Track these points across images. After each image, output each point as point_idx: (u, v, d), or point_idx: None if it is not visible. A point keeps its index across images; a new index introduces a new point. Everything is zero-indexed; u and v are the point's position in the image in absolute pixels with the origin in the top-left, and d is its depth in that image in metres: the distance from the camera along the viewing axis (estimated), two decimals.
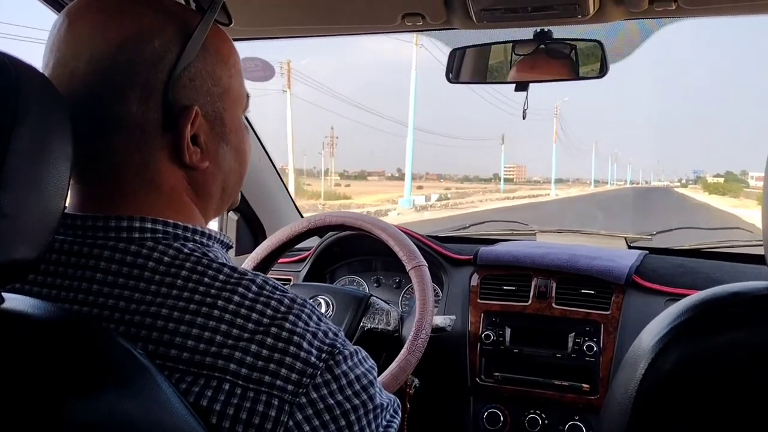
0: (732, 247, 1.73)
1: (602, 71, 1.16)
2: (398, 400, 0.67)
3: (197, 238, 0.63)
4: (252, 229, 1.87)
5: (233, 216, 1.83)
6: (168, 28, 0.61)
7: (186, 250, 0.59)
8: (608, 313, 1.39)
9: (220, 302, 0.56)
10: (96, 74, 0.59)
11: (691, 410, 0.58)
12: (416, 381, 1.37)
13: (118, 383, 0.49)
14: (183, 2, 0.66)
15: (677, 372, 0.58)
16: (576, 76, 1.19)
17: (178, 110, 0.61)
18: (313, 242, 1.74)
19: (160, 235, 0.60)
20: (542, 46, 1.21)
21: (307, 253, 1.73)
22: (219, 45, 0.65)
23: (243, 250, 1.80)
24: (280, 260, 1.72)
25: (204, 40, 0.62)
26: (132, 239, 0.59)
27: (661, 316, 0.63)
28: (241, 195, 1.76)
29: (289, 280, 1.69)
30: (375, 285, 1.74)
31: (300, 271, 1.71)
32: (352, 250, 1.74)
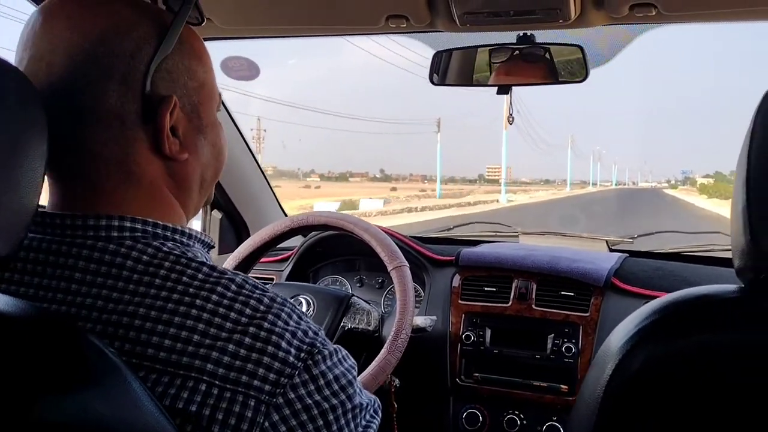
0: (711, 251, 1.75)
1: (583, 76, 1.17)
2: (379, 401, 0.67)
3: (177, 237, 0.63)
4: (235, 228, 1.86)
5: (216, 215, 1.83)
6: (144, 22, 0.62)
7: (165, 249, 0.59)
8: (587, 314, 1.40)
9: (198, 302, 0.56)
10: (73, 67, 0.59)
11: (658, 411, 0.59)
12: (397, 381, 1.38)
13: (88, 382, 0.49)
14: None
15: (644, 373, 0.59)
16: (556, 80, 1.20)
17: (157, 100, 0.61)
18: (296, 242, 1.75)
19: (139, 234, 0.60)
20: (517, 52, 1.22)
21: (290, 252, 1.73)
22: (193, 41, 0.67)
23: (226, 249, 1.80)
24: (263, 259, 1.72)
25: (179, 35, 0.63)
26: (110, 238, 0.59)
27: (629, 318, 0.64)
28: (225, 193, 1.79)
29: (272, 279, 1.69)
30: (358, 285, 1.74)
31: (283, 271, 1.71)
32: (336, 250, 1.74)
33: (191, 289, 0.56)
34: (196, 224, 1.84)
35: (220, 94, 0.71)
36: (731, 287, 0.63)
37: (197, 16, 0.69)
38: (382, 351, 1.20)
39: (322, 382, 0.57)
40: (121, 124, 0.60)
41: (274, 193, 1.95)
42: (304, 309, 1.34)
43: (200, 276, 0.58)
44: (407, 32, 1.25)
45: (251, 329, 0.56)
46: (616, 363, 0.60)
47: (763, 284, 0.60)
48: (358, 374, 1.18)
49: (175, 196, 0.66)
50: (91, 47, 0.59)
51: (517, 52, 1.22)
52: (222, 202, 1.80)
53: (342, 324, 1.32)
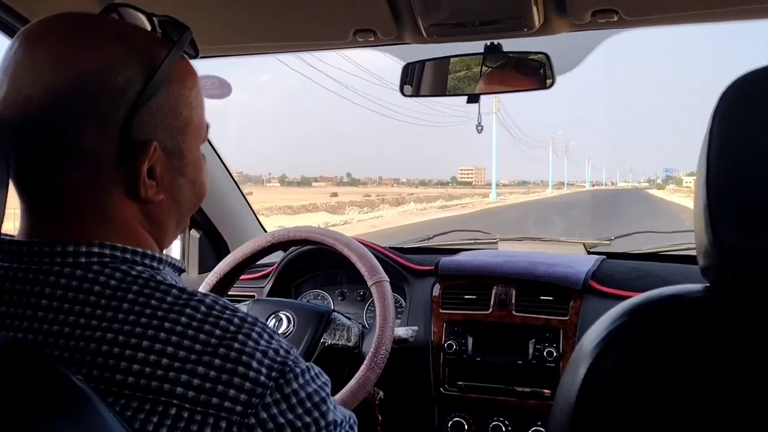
0: (688, 249, 1.77)
1: (550, 82, 1.19)
2: (354, 417, 0.67)
3: (147, 261, 0.62)
4: (215, 247, 1.86)
5: (195, 234, 1.82)
6: (132, 62, 0.60)
7: (133, 273, 0.59)
8: (567, 318, 1.41)
9: (166, 324, 0.55)
10: (52, 105, 0.57)
11: (631, 411, 0.59)
12: (381, 393, 1.37)
13: (57, 411, 0.49)
14: (149, 29, 0.65)
15: (616, 374, 0.60)
16: (523, 88, 1.22)
17: (136, 145, 0.60)
18: (276, 258, 1.74)
19: (108, 259, 0.59)
20: (487, 66, 1.24)
21: (271, 268, 1.73)
22: (183, 77, 0.64)
23: (206, 267, 1.79)
24: (243, 277, 1.71)
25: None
26: (78, 264, 0.58)
27: (599, 320, 0.65)
28: (203, 212, 1.78)
29: (253, 295, 1.68)
30: (339, 298, 1.74)
31: (264, 287, 1.70)
32: (316, 264, 1.74)
33: (159, 312, 0.56)
34: (175, 244, 1.83)
35: (207, 126, 0.69)
36: (697, 287, 0.64)
37: (192, 49, 0.67)
38: (362, 368, 1.20)
39: (294, 400, 0.57)
40: (96, 165, 0.59)
41: (252, 210, 1.95)
42: (284, 325, 1.33)
43: (168, 299, 0.57)
44: (376, 46, 1.26)
45: (221, 350, 0.55)
46: (588, 365, 0.61)
47: (728, 282, 0.61)
48: (339, 390, 1.18)
49: (150, 233, 0.65)
50: (73, 87, 0.57)
51: (487, 66, 1.23)
52: (200, 220, 1.80)
53: (322, 340, 1.32)
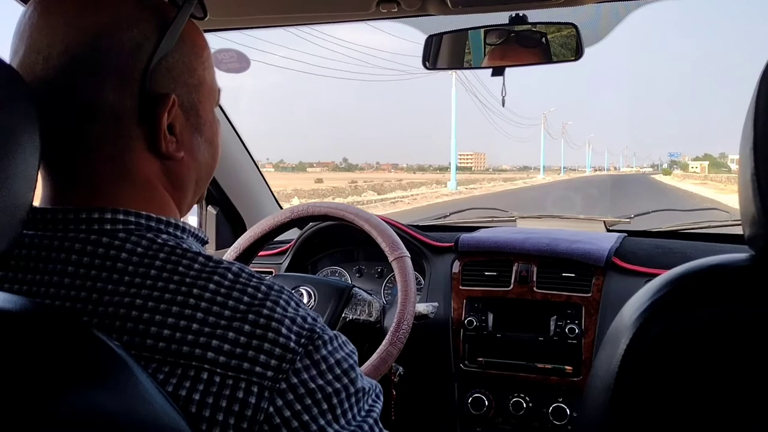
0: (709, 227, 1.75)
1: (578, 54, 1.16)
2: (380, 386, 0.67)
3: (171, 230, 0.62)
4: (231, 223, 1.85)
5: (212, 210, 1.82)
6: (146, 18, 0.61)
7: (159, 241, 0.59)
8: (589, 295, 1.40)
9: (195, 290, 0.55)
10: (71, 62, 0.58)
11: (674, 384, 0.58)
12: (401, 369, 1.37)
13: (96, 378, 0.48)
14: None
15: (659, 346, 0.59)
16: (550, 60, 1.19)
17: (156, 98, 0.61)
18: (293, 235, 1.74)
19: (133, 227, 0.59)
20: (513, 34, 1.21)
21: (288, 245, 1.72)
22: (195, 38, 0.66)
23: (223, 244, 1.79)
24: (261, 253, 1.71)
25: (181, 31, 0.62)
26: (104, 231, 0.58)
27: (641, 291, 0.63)
28: (220, 188, 1.77)
29: (271, 272, 1.68)
30: (357, 275, 1.73)
31: (281, 263, 1.70)
32: (333, 241, 1.73)
33: (187, 279, 0.56)
34: (192, 220, 1.83)
35: (219, 90, 0.70)
36: (742, 256, 0.62)
37: (201, 10, 0.68)
38: (384, 342, 1.19)
39: (324, 366, 0.57)
40: (117, 121, 0.60)
41: (269, 186, 1.94)
42: (305, 300, 1.33)
43: (196, 266, 0.57)
44: (398, 17, 1.24)
45: (250, 316, 0.55)
46: (630, 337, 0.59)
47: None
48: (360, 365, 1.17)
49: (170, 194, 0.66)
50: (90, 43, 0.58)
51: (513, 34, 1.21)
52: (217, 197, 1.79)
53: (343, 315, 1.31)
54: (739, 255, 0.62)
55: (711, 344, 0.58)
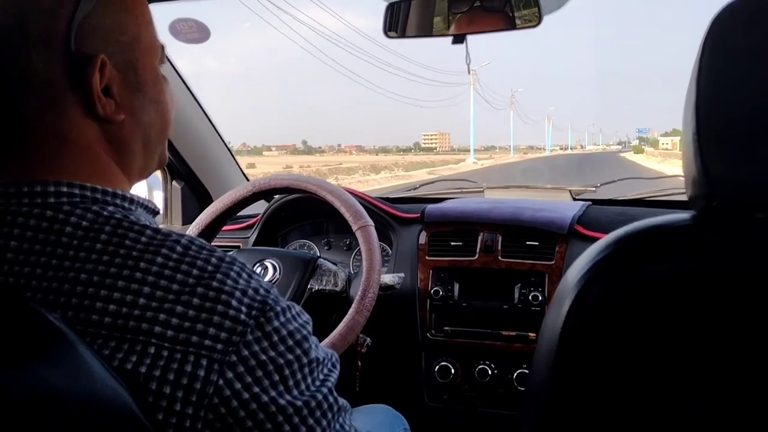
0: (673, 195, 1.77)
1: (537, 20, 1.16)
2: (336, 355, 0.67)
3: (118, 201, 0.61)
4: (198, 197, 1.83)
5: (177, 185, 1.79)
6: None
7: (105, 214, 0.58)
8: (552, 263, 1.41)
9: (142, 264, 0.55)
10: None
11: (616, 343, 0.59)
12: (368, 340, 1.38)
13: (34, 351, 0.48)
14: None
15: (600, 306, 0.60)
16: (513, 27, 1.19)
17: (84, 60, 0.59)
18: (262, 208, 1.72)
19: (77, 199, 0.58)
20: (477, 2, 1.20)
21: (256, 219, 1.71)
22: None
23: (189, 219, 1.77)
24: (228, 227, 1.70)
25: None
26: (47, 204, 0.57)
27: (584, 254, 0.64)
28: (184, 162, 1.74)
29: (238, 246, 1.67)
30: (326, 248, 1.73)
31: (249, 237, 1.69)
32: (302, 214, 1.72)
33: (134, 253, 0.55)
34: (157, 195, 1.81)
35: (162, 47, 0.68)
36: (683, 216, 0.63)
37: None
38: (350, 311, 1.20)
39: (276, 338, 0.57)
40: (50, 87, 0.58)
41: (235, 159, 1.92)
42: (270, 273, 1.32)
43: (143, 239, 0.56)
44: None
45: (199, 289, 0.55)
46: (573, 298, 0.60)
47: (716, 212, 0.60)
48: (328, 335, 1.18)
49: (115, 161, 0.64)
50: (6, 8, 0.57)
51: (477, 2, 1.20)
52: (182, 171, 1.77)
53: (309, 286, 1.32)
54: (681, 215, 0.63)
55: (651, 304, 0.58)
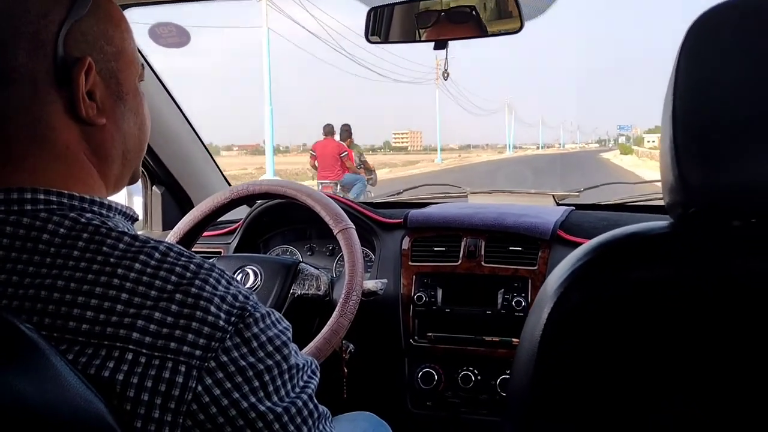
0: (655, 199, 1.78)
1: (518, 27, 1.16)
2: (316, 362, 0.66)
3: (95, 208, 0.61)
4: (179, 203, 1.81)
5: (158, 190, 1.77)
6: None
7: (83, 221, 0.57)
8: (535, 268, 1.41)
9: (119, 271, 0.54)
10: None
11: (595, 349, 0.59)
12: (351, 346, 1.37)
13: (4, 360, 0.47)
14: None
15: (579, 313, 0.60)
16: (493, 33, 1.19)
17: (71, 62, 0.59)
18: (244, 213, 1.71)
19: (55, 207, 0.58)
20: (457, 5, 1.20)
21: (237, 224, 1.70)
22: (108, 7, 0.65)
23: (170, 224, 1.75)
24: (209, 233, 1.68)
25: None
26: (24, 211, 0.57)
27: (564, 260, 0.64)
28: (165, 167, 1.73)
29: (219, 252, 1.66)
30: (308, 253, 1.72)
31: (230, 243, 1.68)
32: (284, 219, 1.71)
33: (111, 259, 0.55)
34: (137, 200, 1.78)
35: (142, 65, 0.69)
36: (661, 223, 0.63)
37: None
38: (334, 314, 1.19)
39: (255, 344, 0.56)
40: (33, 84, 0.58)
41: (216, 164, 1.90)
42: (251, 279, 1.31)
43: (121, 246, 0.56)
44: None
45: (177, 296, 0.54)
46: (552, 305, 0.60)
47: (692, 219, 0.60)
48: (311, 339, 1.17)
49: (95, 165, 0.64)
50: (2, 6, 0.57)
51: (455, 10, 1.20)
52: (162, 176, 1.75)
53: (292, 291, 1.30)
54: (659, 222, 0.63)
55: (629, 310, 0.58)
